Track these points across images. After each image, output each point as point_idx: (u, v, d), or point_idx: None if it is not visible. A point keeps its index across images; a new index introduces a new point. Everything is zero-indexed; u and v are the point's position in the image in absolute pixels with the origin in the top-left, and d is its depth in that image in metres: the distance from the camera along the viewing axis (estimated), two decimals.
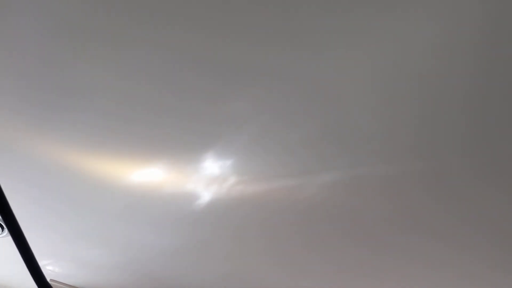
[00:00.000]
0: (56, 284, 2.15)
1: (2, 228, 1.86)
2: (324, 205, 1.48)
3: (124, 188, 1.50)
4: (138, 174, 1.45)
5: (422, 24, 0.95)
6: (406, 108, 1.13)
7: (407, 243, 1.62)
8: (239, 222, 1.62)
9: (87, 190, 1.54)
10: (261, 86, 1.11)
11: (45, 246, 1.92)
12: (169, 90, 1.15)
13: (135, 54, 1.06)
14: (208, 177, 1.42)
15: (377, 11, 0.93)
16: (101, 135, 1.30)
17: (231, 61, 1.06)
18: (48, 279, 0.58)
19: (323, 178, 1.38)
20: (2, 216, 0.50)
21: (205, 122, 1.23)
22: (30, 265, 0.54)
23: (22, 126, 1.30)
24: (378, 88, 1.09)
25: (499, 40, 0.96)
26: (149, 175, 1.44)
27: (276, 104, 1.16)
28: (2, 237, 1.91)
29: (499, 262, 1.64)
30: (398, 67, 1.04)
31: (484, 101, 1.08)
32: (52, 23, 1.02)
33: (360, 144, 1.24)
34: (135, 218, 1.66)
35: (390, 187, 1.38)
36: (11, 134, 1.34)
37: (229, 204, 1.52)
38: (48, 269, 2.17)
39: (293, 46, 1.01)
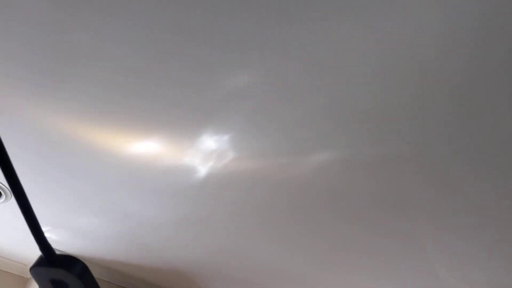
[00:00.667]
0: None
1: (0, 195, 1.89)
2: (319, 183, 1.51)
3: (122, 159, 1.52)
4: (136, 145, 1.46)
5: (424, 15, 0.96)
6: (400, 94, 1.15)
7: (395, 224, 1.66)
8: (235, 197, 1.65)
9: (86, 160, 1.55)
10: (260, 64, 1.13)
11: (42, 214, 1.94)
12: (169, 65, 1.16)
13: (135, 27, 1.07)
14: (205, 152, 1.44)
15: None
16: (100, 106, 1.32)
17: (231, 38, 1.07)
18: None
19: (318, 157, 1.40)
20: (6, 178, 0.52)
21: (203, 97, 1.24)
22: (32, 226, 0.57)
23: (23, 94, 1.31)
24: (375, 73, 1.11)
25: (493, 35, 0.97)
26: (147, 147, 1.46)
27: (275, 82, 1.17)
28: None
29: (484, 243, 1.69)
30: (395, 53, 1.05)
31: (471, 92, 1.10)
32: None
33: (355, 125, 1.26)
34: (132, 189, 1.68)
35: (381, 168, 1.40)
36: (12, 102, 1.35)
37: (225, 179, 1.55)
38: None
39: (292, 28, 1.02)
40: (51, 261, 0.63)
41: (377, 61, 1.08)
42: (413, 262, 1.92)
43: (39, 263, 0.64)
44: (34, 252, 2.32)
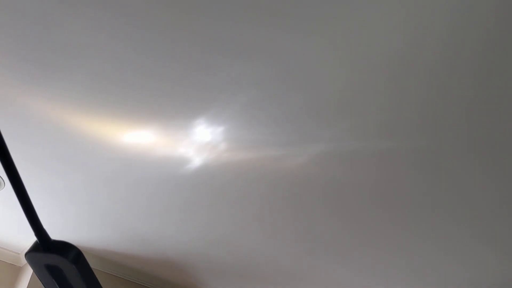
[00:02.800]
0: None
1: None
2: (311, 175, 1.52)
3: (116, 149, 1.53)
4: (131, 136, 1.47)
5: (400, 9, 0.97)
6: (378, 88, 1.17)
7: (387, 217, 1.68)
8: (228, 189, 1.66)
9: (79, 149, 1.56)
10: (253, 57, 1.13)
11: (35, 203, 1.94)
12: (164, 56, 1.16)
13: (130, 20, 1.07)
14: (198, 143, 1.45)
15: None
16: (95, 97, 1.32)
17: (225, 31, 1.07)
18: None
19: (310, 149, 1.42)
20: (3, 164, 0.53)
21: (198, 89, 1.25)
22: (27, 210, 0.57)
23: (18, 84, 1.31)
24: (357, 68, 1.12)
25: (465, 29, 0.98)
26: (141, 137, 1.47)
27: (268, 75, 1.18)
28: None
29: (481, 236, 1.71)
30: (371, 47, 1.06)
31: (446, 84, 1.12)
32: None
33: (340, 119, 1.28)
34: (126, 179, 1.69)
35: (373, 161, 1.42)
36: (7, 91, 1.34)
37: (219, 170, 1.56)
38: None
39: (282, 22, 1.03)
40: (46, 246, 0.63)
41: (357, 59, 1.09)
42: (407, 256, 1.94)
43: (34, 249, 0.64)
44: (27, 241, 2.32)
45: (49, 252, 0.64)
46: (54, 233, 2.18)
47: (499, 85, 1.11)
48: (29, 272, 2.23)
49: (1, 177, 1.80)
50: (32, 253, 0.64)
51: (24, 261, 2.43)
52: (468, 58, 1.06)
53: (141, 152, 1.53)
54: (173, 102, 1.30)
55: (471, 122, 1.23)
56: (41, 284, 0.71)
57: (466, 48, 1.04)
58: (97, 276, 0.71)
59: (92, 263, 2.38)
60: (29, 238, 2.20)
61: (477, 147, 1.30)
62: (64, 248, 0.65)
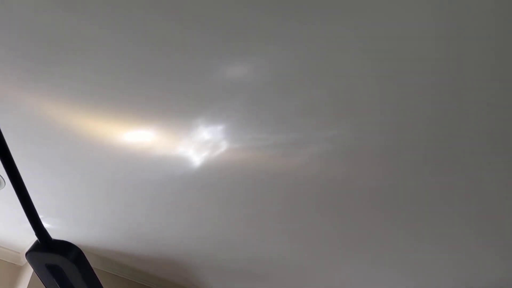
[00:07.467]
0: None
1: None
2: (311, 174, 1.52)
3: (116, 148, 1.52)
4: (130, 135, 1.46)
5: (416, 12, 0.97)
6: (380, 87, 1.16)
7: (391, 215, 1.67)
8: (228, 188, 1.65)
9: (80, 149, 1.55)
10: (256, 55, 1.13)
11: (36, 202, 1.93)
12: (164, 52, 1.16)
13: (131, 14, 1.07)
14: (199, 142, 1.45)
15: None
16: (94, 94, 1.32)
17: (228, 28, 1.07)
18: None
19: (311, 148, 1.41)
20: (2, 159, 0.52)
21: (199, 87, 1.24)
22: (28, 210, 0.57)
23: (19, 81, 1.31)
24: (369, 66, 1.12)
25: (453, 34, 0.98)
26: (141, 136, 1.46)
27: (270, 73, 1.18)
28: None
29: (481, 232, 1.71)
30: (370, 46, 1.06)
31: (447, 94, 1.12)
32: None
33: (349, 117, 1.28)
34: (126, 178, 1.69)
35: (374, 159, 1.42)
36: (8, 89, 1.34)
37: (219, 169, 1.55)
38: None
39: (291, 18, 1.03)
40: (46, 246, 0.63)
41: (371, 57, 1.09)
42: (410, 252, 1.94)
43: (34, 248, 0.64)
44: (27, 241, 2.31)
45: (49, 252, 0.64)
46: (55, 233, 2.19)
47: (503, 85, 1.11)
48: (29, 271, 2.22)
49: (1, 176, 1.80)
50: (33, 253, 0.64)
51: (24, 260, 2.42)
52: (471, 59, 1.06)
53: (141, 151, 1.52)
54: (174, 100, 1.30)
55: (479, 121, 1.22)
56: (42, 284, 0.71)
57: (469, 50, 1.04)
58: (98, 275, 0.71)
59: (93, 263, 2.38)
60: (30, 238, 2.19)
61: (478, 145, 1.30)
62: (65, 248, 0.64)
